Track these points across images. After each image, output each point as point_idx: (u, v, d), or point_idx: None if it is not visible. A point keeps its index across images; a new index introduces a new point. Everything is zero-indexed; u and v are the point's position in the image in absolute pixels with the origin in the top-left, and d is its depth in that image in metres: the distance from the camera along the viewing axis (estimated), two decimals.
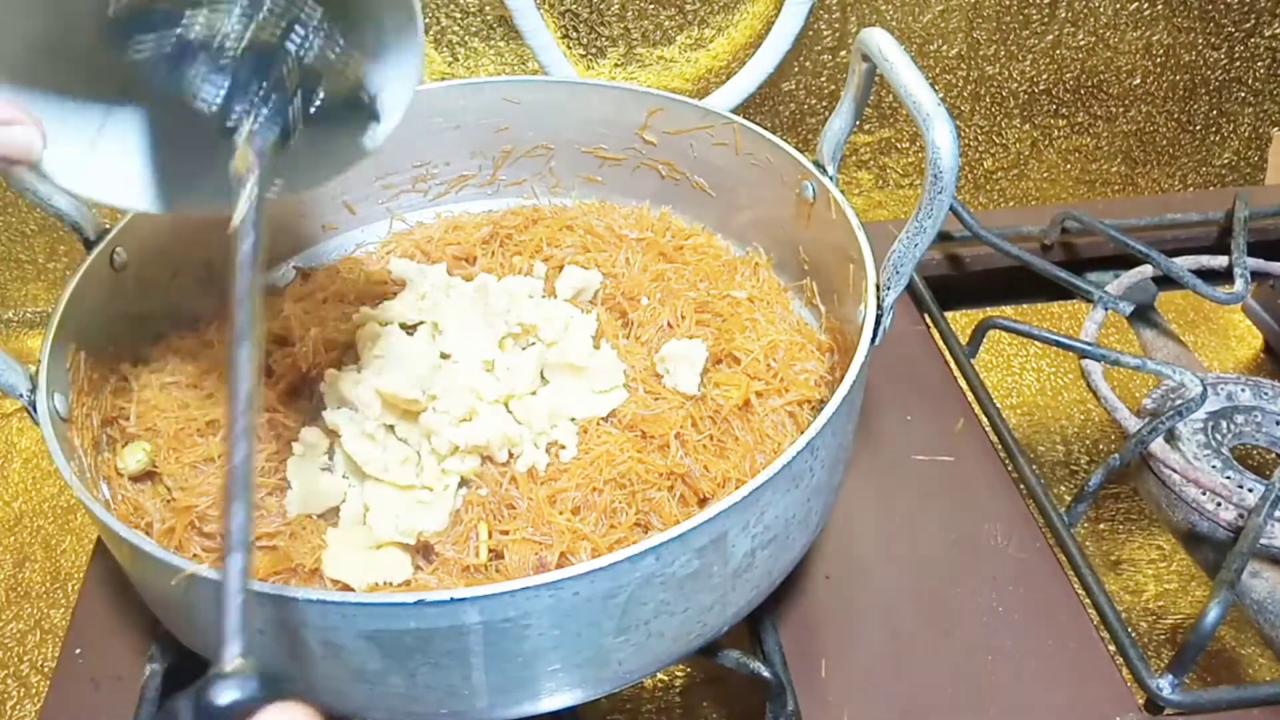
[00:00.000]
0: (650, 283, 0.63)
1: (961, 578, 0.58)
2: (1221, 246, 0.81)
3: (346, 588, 0.48)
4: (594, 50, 0.90)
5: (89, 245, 0.57)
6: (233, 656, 0.27)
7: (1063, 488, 0.79)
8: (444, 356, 0.58)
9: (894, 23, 0.92)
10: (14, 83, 0.37)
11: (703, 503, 0.52)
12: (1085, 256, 0.83)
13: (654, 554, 0.41)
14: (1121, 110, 1.00)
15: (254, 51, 0.32)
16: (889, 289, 0.50)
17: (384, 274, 0.65)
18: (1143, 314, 0.77)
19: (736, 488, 0.45)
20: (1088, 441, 0.83)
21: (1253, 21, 0.96)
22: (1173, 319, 0.79)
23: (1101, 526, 0.76)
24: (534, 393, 0.57)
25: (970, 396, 0.69)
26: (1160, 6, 0.94)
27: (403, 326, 0.61)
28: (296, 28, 0.32)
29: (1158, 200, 0.89)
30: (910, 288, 0.78)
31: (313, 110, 0.33)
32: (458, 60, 0.89)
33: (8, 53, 0.36)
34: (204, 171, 0.37)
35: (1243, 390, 0.69)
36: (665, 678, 0.66)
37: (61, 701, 0.53)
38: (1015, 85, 0.97)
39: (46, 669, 0.70)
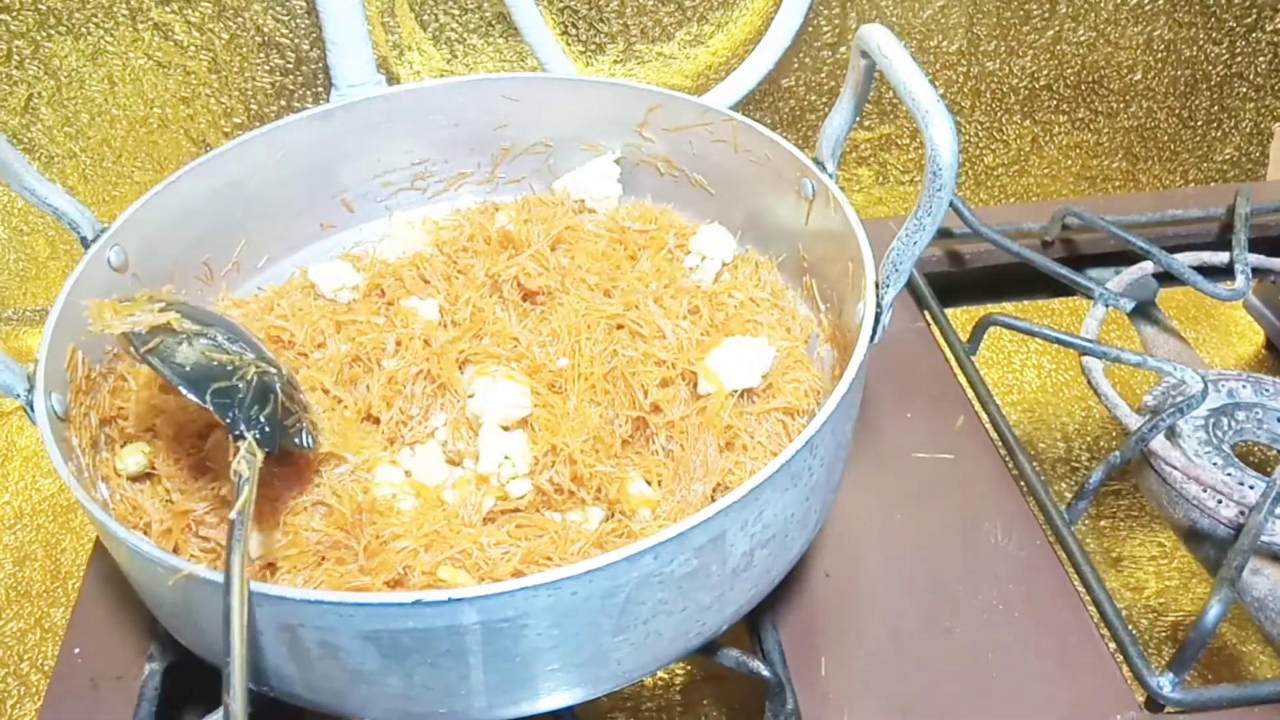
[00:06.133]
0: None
1: (961, 575, 0.58)
2: (1223, 243, 0.81)
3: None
4: (593, 47, 0.90)
5: (87, 244, 0.57)
6: None
7: (1063, 485, 0.79)
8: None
9: (894, 18, 0.92)
10: None
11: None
12: (1086, 253, 0.83)
13: (652, 553, 0.41)
14: (1122, 106, 1.00)
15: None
16: (888, 286, 0.50)
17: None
18: (1143, 311, 0.76)
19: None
20: (1088, 439, 0.83)
21: (1254, 16, 0.96)
22: (1174, 315, 0.79)
23: (1102, 524, 0.76)
24: None
25: (970, 394, 0.69)
26: (1161, 1, 0.94)
27: None
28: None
29: (1159, 196, 0.89)
30: (910, 285, 0.77)
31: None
32: (456, 57, 0.89)
33: None
34: None
35: (1244, 387, 0.68)
36: (665, 676, 0.66)
37: (61, 701, 0.54)
38: (1016, 81, 0.97)
39: (46, 668, 0.70)
